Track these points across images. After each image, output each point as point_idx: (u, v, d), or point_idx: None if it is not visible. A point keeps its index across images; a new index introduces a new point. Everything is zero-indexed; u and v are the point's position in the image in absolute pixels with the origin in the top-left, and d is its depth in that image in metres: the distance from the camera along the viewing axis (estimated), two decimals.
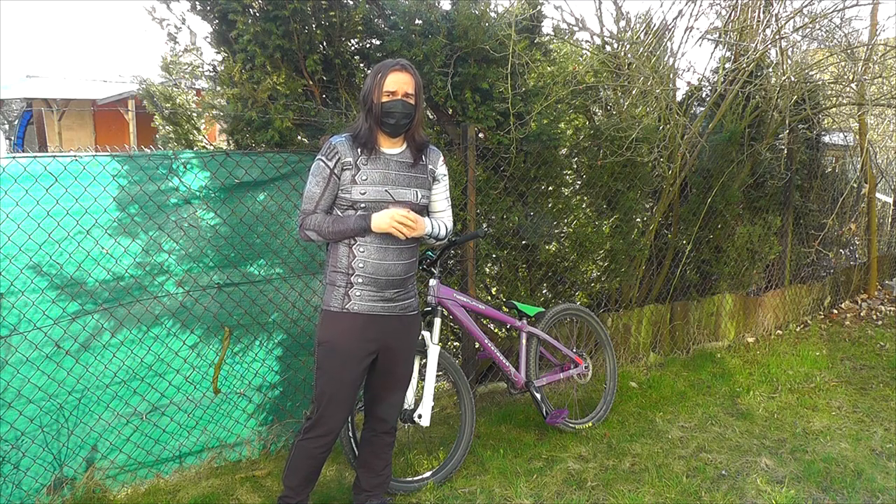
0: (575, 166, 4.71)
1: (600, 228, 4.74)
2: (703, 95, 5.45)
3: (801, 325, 6.11)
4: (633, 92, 4.79)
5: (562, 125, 4.44)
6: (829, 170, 6.92)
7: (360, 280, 2.58)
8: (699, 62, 25.05)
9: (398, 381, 2.79)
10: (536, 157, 4.25)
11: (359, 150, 2.56)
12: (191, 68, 4.02)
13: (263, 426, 3.56)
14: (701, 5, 4.71)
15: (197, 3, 3.69)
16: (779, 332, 5.85)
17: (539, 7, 4.45)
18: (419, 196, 2.64)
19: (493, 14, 4.12)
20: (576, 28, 4.61)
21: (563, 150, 4.55)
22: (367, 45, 4.07)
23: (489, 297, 4.61)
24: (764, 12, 4.90)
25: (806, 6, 4.82)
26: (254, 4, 3.56)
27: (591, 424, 3.89)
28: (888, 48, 5.64)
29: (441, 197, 2.79)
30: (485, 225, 4.30)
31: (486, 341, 3.55)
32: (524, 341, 3.75)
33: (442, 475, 3.28)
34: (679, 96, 5.21)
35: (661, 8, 12.62)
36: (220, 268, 3.36)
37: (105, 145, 11.43)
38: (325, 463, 2.97)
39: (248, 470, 3.38)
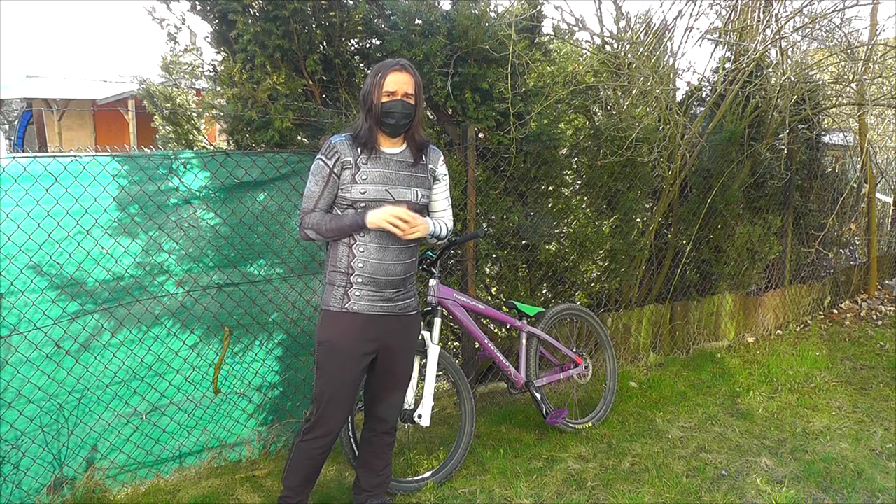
0: (575, 166, 4.71)
1: (600, 228, 4.74)
2: (703, 95, 5.45)
3: (801, 325, 6.11)
4: (633, 92, 4.79)
5: (562, 125, 4.44)
6: (829, 170, 6.92)
7: (359, 280, 2.58)
8: (699, 62, 25.07)
9: (398, 381, 2.79)
10: (536, 157, 4.25)
11: (359, 149, 2.56)
12: (191, 68, 4.02)
13: (263, 426, 3.56)
14: (701, 5, 4.71)
15: (197, 3, 3.69)
16: (779, 332, 5.85)
17: (539, 7, 4.45)
18: (419, 195, 2.64)
19: (493, 14, 4.12)
20: (576, 28, 4.61)
21: (563, 150, 4.55)
22: (367, 45, 4.07)
23: (489, 297, 4.61)
24: (764, 12, 4.90)
25: (806, 6, 4.82)
26: (254, 4, 3.56)
27: (591, 424, 3.89)
28: (888, 48, 5.64)
29: (441, 196, 2.79)
30: (485, 225, 4.30)
31: (486, 341, 3.55)
32: (524, 341, 3.75)
33: (442, 475, 3.28)
34: (679, 96, 5.21)
35: (661, 8, 12.63)
36: (220, 268, 3.36)
37: (105, 145, 11.43)
38: (325, 463, 2.97)
39: (248, 470, 3.39)
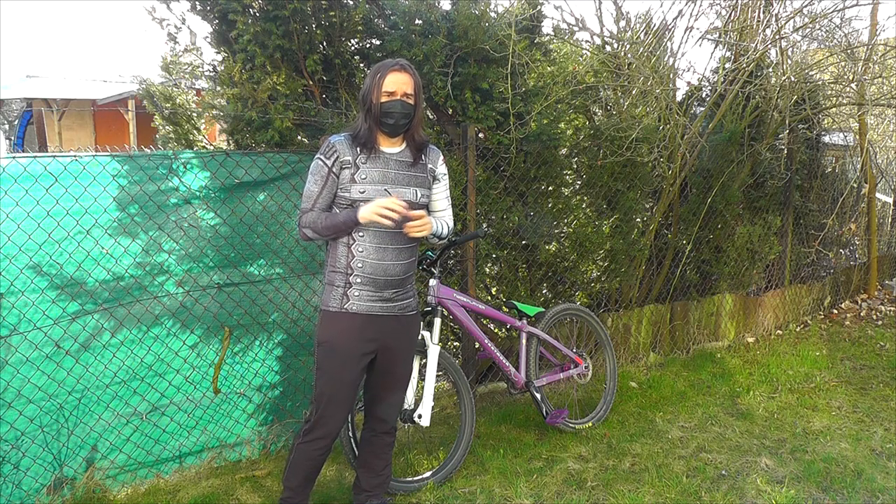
0: (575, 166, 4.71)
1: (600, 228, 4.74)
2: (703, 95, 5.45)
3: (801, 325, 6.11)
4: (633, 92, 4.79)
5: (562, 125, 4.44)
6: (829, 170, 6.92)
7: (358, 280, 2.57)
8: (699, 62, 25.07)
9: (397, 381, 2.79)
10: (536, 157, 4.25)
11: (358, 149, 2.56)
12: (191, 68, 4.02)
13: (263, 426, 3.56)
14: (701, 5, 4.71)
15: (197, 3, 3.69)
16: (779, 332, 5.85)
17: (539, 7, 4.45)
18: (419, 195, 2.64)
19: (493, 14, 4.12)
20: (576, 28, 4.62)
21: (563, 150, 4.55)
22: (367, 45, 4.07)
23: (489, 297, 4.61)
24: (764, 12, 4.90)
25: (806, 6, 4.82)
26: (254, 4, 3.56)
27: (591, 424, 3.89)
28: (888, 48, 5.64)
29: (441, 196, 2.79)
30: (485, 225, 4.30)
31: (486, 341, 3.55)
32: (524, 341, 3.75)
33: (442, 475, 3.28)
34: (679, 96, 5.21)
35: (661, 8, 12.65)
36: (220, 268, 3.36)
37: (105, 145, 11.43)
38: (325, 463, 2.97)
39: (248, 470, 3.39)
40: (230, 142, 3.85)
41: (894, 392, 4.48)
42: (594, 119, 4.98)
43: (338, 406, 2.62)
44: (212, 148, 3.97)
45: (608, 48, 4.80)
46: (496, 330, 4.43)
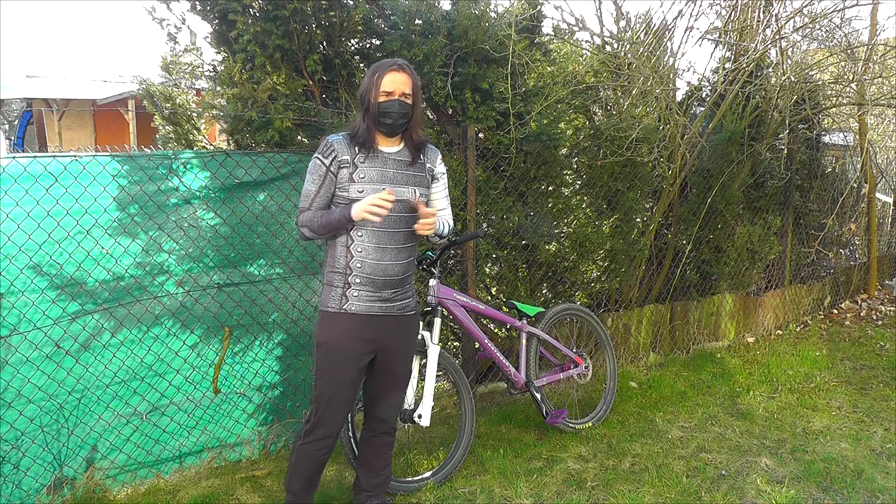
0: (575, 166, 4.71)
1: (600, 228, 4.74)
2: (703, 95, 5.45)
3: (801, 325, 6.11)
4: (633, 92, 4.79)
5: (562, 125, 4.44)
6: (829, 170, 6.92)
7: (357, 280, 2.57)
8: (699, 62, 25.07)
9: (397, 381, 2.78)
10: (536, 157, 4.25)
11: (356, 148, 2.56)
12: (191, 68, 4.02)
13: (263, 426, 3.56)
14: (701, 5, 4.71)
15: (197, 3, 3.69)
16: (779, 332, 5.85)
17: (539, 7, 4.45)
18: (417, 194, 2.64)
19: (493, 14, 4.12)
20: (576, 28, 4.61)
21: (563, 150, 4.55)
22: (367, 45, 4.07)
23: (489, 297, 4.61)
24: (764, 12, 4.90)
25: (806, 6, 4.82)
26: (254, 4, 3.56)
27: (591, 424, 3.89)
28: (888, 48, 5.64)
29: (440, 196, 2.79)
30: (485, 225, 4.30)
31: (486, 341, 3.55)
32: (524, 341, 3.75)
33: (442, 475, 3.28)
34: (679, 96, 5.21)
35: (661, 8, 12.65)
36: (220, 268, 3.36)
37: (105, 145, 11.43)
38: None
39: (248, 470, 3.38)
40: (230, 142, 3.85)
41: (894, 392, 4.48)
42: (594, 119, 4.98)
43: (338, 406, 2.62)
44: (212, 148, 3.97)
45: (608, 48, 4.80)
46: (496, 330, 4.43)
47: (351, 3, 3.82)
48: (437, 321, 3.21)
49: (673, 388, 4.50)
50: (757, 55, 4.77)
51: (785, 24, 4.92)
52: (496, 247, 4.31)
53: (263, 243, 3.45)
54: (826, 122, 6.59)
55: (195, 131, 3.98)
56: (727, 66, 5.12)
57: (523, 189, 4.32)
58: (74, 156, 2.97)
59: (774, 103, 5.29)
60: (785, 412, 4.13)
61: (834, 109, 6.22)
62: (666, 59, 4.94)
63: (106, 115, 16.83)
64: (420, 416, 3.09)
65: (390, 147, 2.62)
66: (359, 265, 2.57)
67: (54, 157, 2.93)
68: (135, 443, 3.21)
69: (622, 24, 4.80)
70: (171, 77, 4.00)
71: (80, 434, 3.08)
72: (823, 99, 5.87)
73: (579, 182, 4.80)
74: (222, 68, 3.78)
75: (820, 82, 5.76)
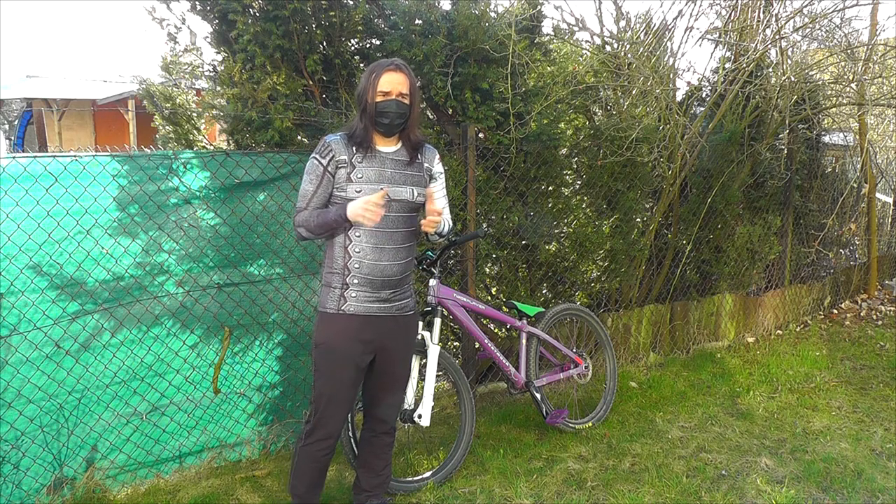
0: (575, 166, 4.71)
1: (600, 228, 4.74)
2: (703, 95, 5.45)
3: (801, 325, 6.11)
4: (633, 92, 4.79)
5: (562, 125, 4.44)
6: (829, 170, 6.92)
7: (355, 281, 2.57)
8: (699, 62, 25.06)
9: (396, 381, 2.78)
10: (536, 157, 4.25)
11: (354, 148, 2.56)
12: (191, 68, 4.02)
13: (263, 426, 3.56)
14: (701, 5, 4.71)
15: (197, 3, 3.69)
16: (779, 332, 5.85)
17: (539, 7, 4.45)
18: (415, 194, 2.64)
19: (493, 14, 4.12)
20: (576, 28, 4.61)
21: (563, 150, 4.55)
22: (367, 45, 4.07)
23: (489, 297, 4.61)
24: (764, 12, 4.90)
25: (806, 6, 4.82)
26: (254, 4, 3.56)
27: (591, 424, 3.89)
28: (888, 48, 5.64)
29: (439, 195, 2.79)
30: (485, 225, 4.30)
31: (486, 341, 3.55)
32: (524, 341, 3.75)
33: (442, 475, 3.28)
34: (679, 96, 5.21)
35: (661, 8, 12.65)
36: (220, 268, 3.36)
37: (105, 145, 11.43)
38: None
39: (248, 470, 3.39)
40: (230, 142, 3.85)
41: (894, 392, 4.48)
42: (594, 119, 4.98)
43: (337, 406, 2.62)
44: (212, 148, 3.97)
45: (608, 48, 4.80)
46: (496, 330, 4.43)
47: (351, 3, 3.82)
48: (437, 321, 3.21)
49: (673, 388, 4.50)
50: (757, 55, 4.77)
51: (785, 24, 4.92)
52: (496, 247, 4.31)
53: (263, 243, 3.45)
54: (826, 122, 6.59)
55: (195, 131, 3.98)
56: (727, 66, 5.12)
57: (523, 189, 4.32)
58: (74, 156, 2.97)
59: (774, 103, 5.29)
60: (785, 412, 4.13)
61: (834, 109, 6.22)
62: (666, 59, 4.94)
63: (106, 115, 16.83)
64: (420, 416, 3.09)
65: (388, 147, 2.62)
66: (357, 266, 2.56)
67: (54, 157, 2.93)
68: (135, 443, 3.21)
69: (622, 24, 4.81)
70: (171, 77, 4.00)
71: (80, 434, 3.08)
72: (823, 99, 5.87)
73: (579, 182, 4.80)
74: (222, 68, 3.78)
75: (820, 82, 5.76)
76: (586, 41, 4.91)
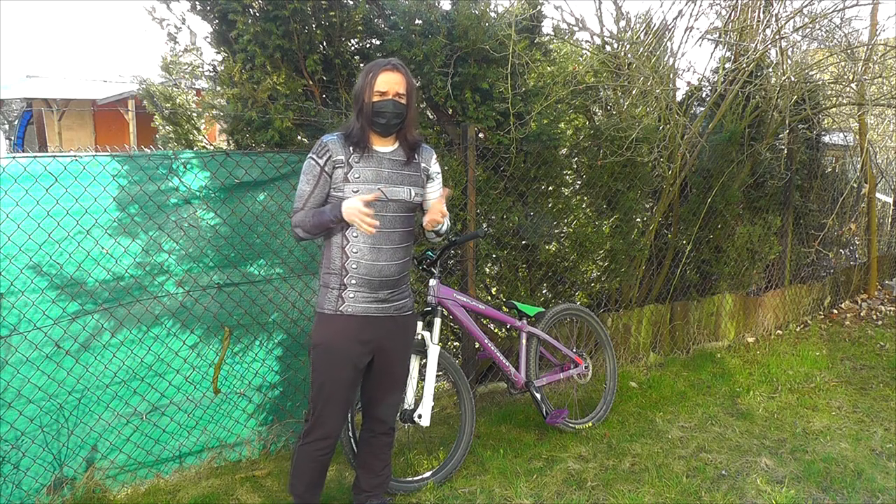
0: (575, 166, 4.71)
1: (600, 228, 4.74)
2: (703, 95, 5.45)
3: (801, 325, 6.11)
4: (633, 92, 4.79)
5: (562, 125, 4.44)
6: (829, 170, 6.92)
7: (353, 282, 2.57)
8: (699, 62, 25.06)
9: (395, 381, 2.78)
10: (536, 157, 4.25)
11: (351, 148, 2.56)
12: (191, 68, 4.02)
13: (263, 426, 3.56)
14: (701, 5, 4.71)
15: (197, 3, 3.69)
16: (779, 332, 5.85)
17: (539, 7, 4.45)
18: (412, 194, 2.64)
19: (493, 14, 4.12)
20: (576, 28, 4.61)
21: (563, 150, 4.55)
22: (367, 45, 4.07)
23: (489, 297, 4.61)
24: (764, 12, 4.90)
25: (806, 6, 4.82)
26: (254, 4, 3.56)
27: (591, 424, 3.89)
28: (888, 48, 5.64)
29: (436, 195, 2.78)
30: (485, 225, 4.30)
31: (486, 341, 3.55)
32: (524, 341, 3.75)
33: (442, 475, 3.28)
34: (679, 96, 5.21)
35: (661, 8, 12.64)
36: (220, 268, 3.36)
37: (105, 145, 11.43)
38: None
39: (248, 470, 3.39)
40: (230, 142, 3.85)
41: (894, 392, 4.48)
42: (594, 119, 4.98)
43: (335, 407, 2.62)
44: (212, 148, 3.97)
45: (608, 48, 4.80)
46: (496, 330, 4.43)
47: (351, 3, 3.82)
48: (437, 321, 3.21)
49: (673, 388, 4.50)
50: (757, 55, 4.77)
51: (785, 24, 4.92)
52: (496, 247, 4.31)
53: (263, 243, 3.45)
54: (826, 122, 6.59)
55: (195, 131, 3.98)
56: (727, 66, 5.12)
57: (523, 189, 4.32)
58: (74, 156, 2.97)
59: (774, 103, 5.29)
60: (785, 412, 4.13)
61: (834, 109, 6.22)
62: (666, 59, 4.94)
63: (106, 115, 16.83)
64: (420, 416, 3.09)
65: (385, 147, 2.62)
66: (354, 266, 2.56)
67: (54, 157, 2.93)
68: (135, 443, 3.21)
69: (622, 24, 4.81)
70: (171, 77, 4.00)
71: (80, 434, 3.08)
72: (823, 99, 5.87)
73: (579, 182, 4.80)
74: (222, 68, 3.78)
75: (820, 82, 5.76)
76: (586, 41, 4.91)
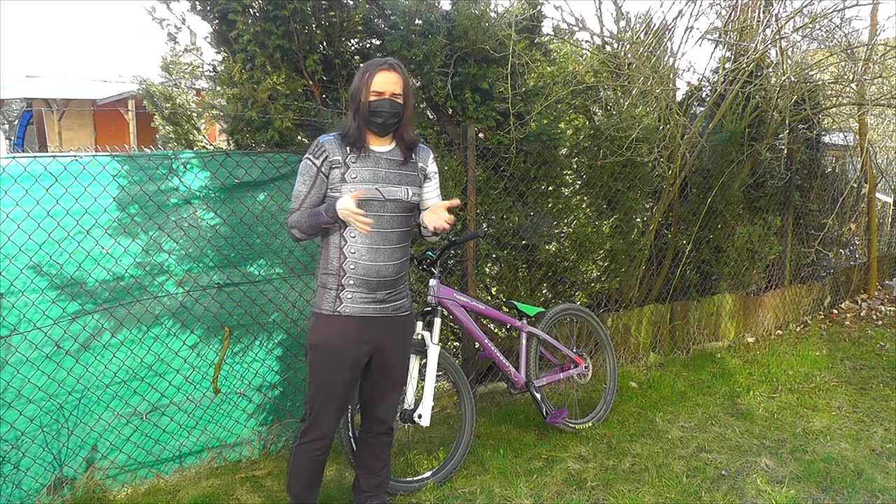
0: (575, 166, 4.71)
1: (600, 228, 4.74)
2: (703, 95, 5.45)
3: (801, 325, 6.11)
4: (633, 92, 4.79)
5: (562, 125, 4.44)
6: (829, 170, 6.92)
7: (351, 282, 2.56)
8: (699, 62, 25.08)
9: (394, 382, 2.78)
10: (536, 157, 4.25)
11: (348, 148, 2.55)
12: (191, 68, 4.02)
13: (263, 426, 3.56)
14: (701, 5, 4.71)
15: (197, 3, 3.69)
16: (779, 332, 5.85)
17: (539, 7, 4.45)
18: (410, 194, 2.63)
19: (493, 14, 4.12)
20: (576, 28, 4.61)
21: (563, 150, 4.55)
22: (367, 45, 4.07)
23: (489, 297, 4.61)
24: (764, 12, 4.91)
25: (806, 6, 4.82)
26: (254, 4, 3.56)
27: (591, 424, 3.89)
28: (888, 48, 5.64)
29: (433, 195, 2.78)
30: (485, 225, 4.30)
31: (486, 341, 3.55)
32: (524, 341, 3.75)
33: (442, 475, 3.28)
34: (679, 96, 5.21)
35: (661, 8, 12.62)
36: (220, 268, 3.36)
37: (105, 145, 11.43)
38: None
39: (248, 470, 3.39)
40: (230, 142, 3.85)
41: (894, 392, 4.48)
42: (594, 119, 4.98)
43: (332, 407, 2.62)
44: (212, 148, 3.97)
45: (608, 48, 4.80)
46: (496, 330, 4.43)
47: (351, 3, 3.82)
48: (437, 321, 3.21)
49: (673, 388, 4.50)
50: (757, 55, 4.77)
51: (785, 24, 4.92)
52: (496, 247, 4.31)
53: (263, 243, 3.45)
54: (826, 122, 6.59)
55: (195, 131, 3.98)
56: (727, 66, 5.12)
57: (523, 189, 4.32)
58: (74, 156, 2.97)
59: (774, 103, 5.29)
60: (785, 412, 4.13)
61: (834, 109, 6.22)
62: (666, 59, 4.94)
63: (106, 115, 16.83)
64: (420, 416, 3.09)
65: (382, 146, 2.62)
66: (352, 266, 2.56)
67: (54, 157, 2.93)
68: (135, 443, 3.21)
69: (622, 24, 4.81)
70: (171, 77, 4.00)
71: (80, 434, 3.08)
72: (823, 99, 5.87)
73: (579, 182, 4.80)
74: (222, 68, 3.78)
75: (820, 82, 5.76)
76: (586, 41, 4.91)
